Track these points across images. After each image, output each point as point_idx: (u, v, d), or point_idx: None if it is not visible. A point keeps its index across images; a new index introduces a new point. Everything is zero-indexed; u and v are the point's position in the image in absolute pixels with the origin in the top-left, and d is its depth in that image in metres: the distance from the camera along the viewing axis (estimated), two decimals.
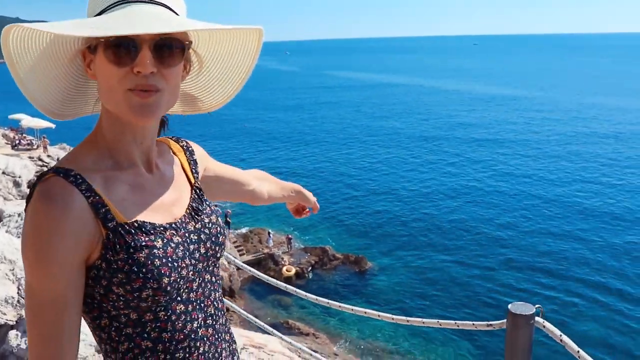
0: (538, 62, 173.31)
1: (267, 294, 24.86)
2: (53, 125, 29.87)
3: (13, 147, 27.69)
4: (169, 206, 1.08)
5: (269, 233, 28.16)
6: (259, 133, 59.05)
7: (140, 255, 0.96)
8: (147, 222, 1.00)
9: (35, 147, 27.71)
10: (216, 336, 1.15)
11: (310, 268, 26.06)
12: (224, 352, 1.18)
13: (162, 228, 1.02)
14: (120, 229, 0.96)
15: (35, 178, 1.07)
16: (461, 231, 30.28)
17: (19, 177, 19.62)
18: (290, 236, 27.86)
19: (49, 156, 25.94)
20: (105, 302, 0.98)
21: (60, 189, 0.93)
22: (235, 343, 1.24)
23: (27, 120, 29.52)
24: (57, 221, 0.91)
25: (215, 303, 1.15)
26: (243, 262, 23.95)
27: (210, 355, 1.13)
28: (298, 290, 2.36)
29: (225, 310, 1.22)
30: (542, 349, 17.94)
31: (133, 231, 0.97)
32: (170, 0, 1.00)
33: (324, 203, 35.59)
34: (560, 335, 1.67)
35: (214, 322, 1.14)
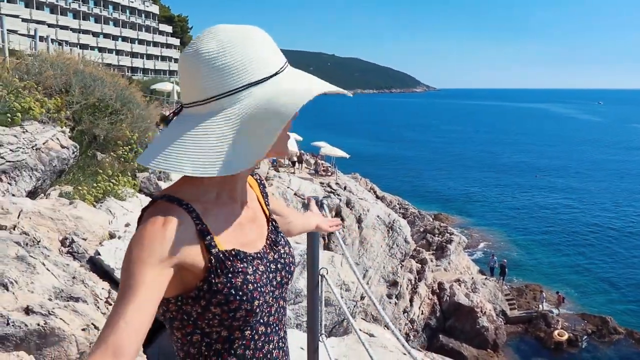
0: None
1: (534, 354, 23.74)
2: (347, 155, 32.71)
3: (313, 172, 29.83)
4: (254, 238, 1.21)
5: (541, 291, 26.77)
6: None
7: (237, 280, 1.08)
8: (240, 251, 1.13)
9: (330, 174, 29.41)
10: (285, 358, 1.26)
11: (585, 337, 23.92)
12: None
13: (251, 257, 1.14)
14: (221, 255, 1.08)
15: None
16: None
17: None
18: (562, 295, 26.10)
19: (337, 184, 26.83)
20: (200, 320, 1.09)
21: (175, 213, 1.04)
22: None
23: (327, 149, 32.20)
24: (168, 231, 1.01)
25: (284, 327, 1.27)
26: (512, 317, 22.92)
27: None
28: None
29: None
30: None
31: (231, 258, 1.10)
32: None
33: (599, 264, 32.00)
34: None
35: (284, 345, 1.26)
